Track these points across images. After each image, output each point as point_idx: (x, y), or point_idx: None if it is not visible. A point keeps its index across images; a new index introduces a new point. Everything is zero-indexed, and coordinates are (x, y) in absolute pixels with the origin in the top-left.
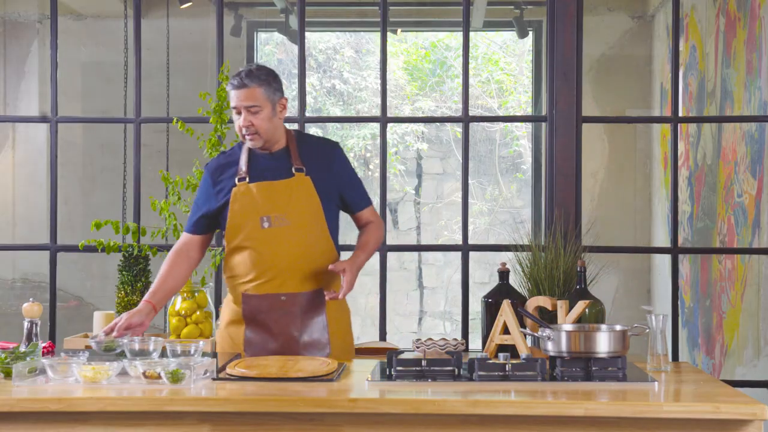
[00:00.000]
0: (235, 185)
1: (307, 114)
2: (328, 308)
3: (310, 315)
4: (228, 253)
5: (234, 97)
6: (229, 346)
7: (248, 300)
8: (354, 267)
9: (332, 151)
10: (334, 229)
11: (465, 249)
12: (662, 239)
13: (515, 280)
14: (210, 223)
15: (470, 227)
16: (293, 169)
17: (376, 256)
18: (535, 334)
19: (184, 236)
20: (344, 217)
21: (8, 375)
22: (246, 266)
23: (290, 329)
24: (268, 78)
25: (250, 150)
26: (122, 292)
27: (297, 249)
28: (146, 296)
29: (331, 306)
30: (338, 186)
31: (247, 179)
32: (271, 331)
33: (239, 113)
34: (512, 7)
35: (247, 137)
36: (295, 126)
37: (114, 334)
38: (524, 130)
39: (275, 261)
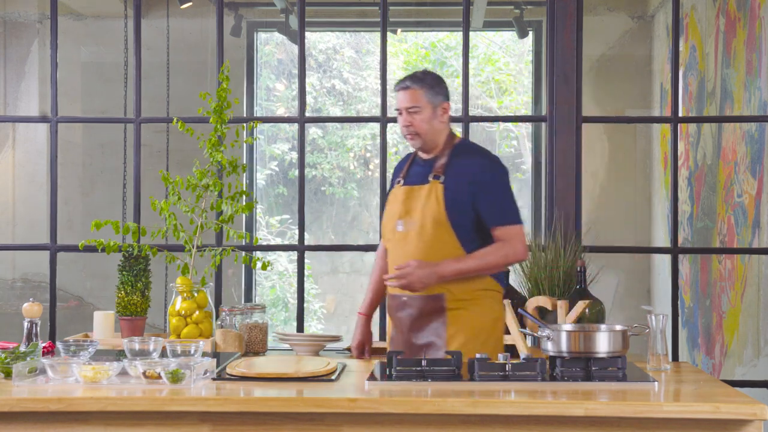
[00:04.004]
0: (393, 187)
1: (307, 114)
2: (454, 313)
3: (430, 318)
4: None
5: (397, 98)
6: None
7: (389, 298)
8: (423, 266)
9: (476, 162)
10: (469, 239)
11: None
12: (662, 239)
13: (515, 280)
14: None
15: None
16: (431, 176)
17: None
18: (535, 334)
19: (381, 242)
20: None
21: (8, 375)
22: (388, 266)
23: (408, 330)
24: (432, 81)
25: (416, 154)
26: (122, 292)
27: (419, 254)
28: (361, 307)
29: (458, 311)
30: (472, 197)
31: (402, 182)
32: (402, 330)
33: (401, 114)
34: (512, 7)
35: (408, 137)
36: (295, 126)
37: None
38: (519, 130)
39: (399, 262)
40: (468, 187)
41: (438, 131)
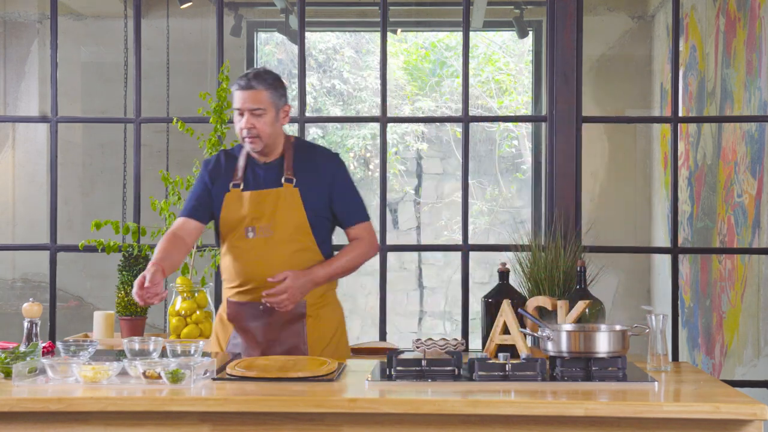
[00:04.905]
0: (228, 190)
1: (307, 114)
2: (313, 316)
3: (290, 324)
4: (221, 256)
5: (238, 98)
6: (215, 345)
7: (231, 306)
8: (299, 277)
9: (327, 162)
10: (325, 241)
11: (465, 249)
12: (662, 239)
13: (515, 280)
14: (205, 212)
15: (470, 227)
16: (283, 180)
17: (375, 257)
18: (535, 334)
19: (181, 220)
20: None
21: (8, 375)
22: (230, 272)
23: (271, 338)
24: (275, 83)
25: (248, 155)
26: (122, 292)
27: (278, 260)
28: (153, 260)
29: (314, 316)
30: (328, 198)
31: (241, 186)
32: (256, 339)
33: (242, 115)
34: (512, 7)
35: (247, 140)
36: (295, 126)
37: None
38: (519, 130)
39: (256, 271)
40: (323, 187)
41: (279, 134)
